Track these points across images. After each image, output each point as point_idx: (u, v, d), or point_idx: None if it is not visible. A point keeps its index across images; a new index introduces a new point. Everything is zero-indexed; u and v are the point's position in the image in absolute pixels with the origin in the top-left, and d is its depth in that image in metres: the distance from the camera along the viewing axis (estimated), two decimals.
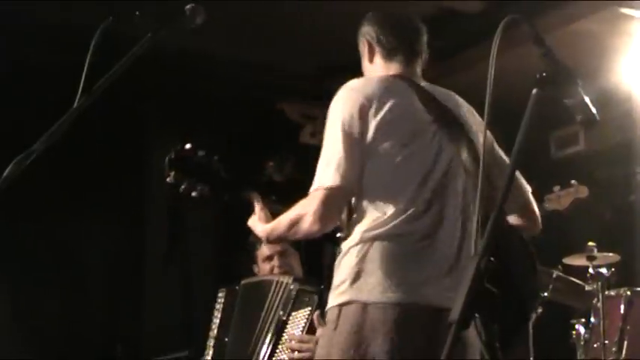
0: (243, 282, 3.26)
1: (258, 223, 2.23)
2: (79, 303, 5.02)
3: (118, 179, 5.06)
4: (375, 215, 2.02)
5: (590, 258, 4.05)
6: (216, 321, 3.33)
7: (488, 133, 2.13)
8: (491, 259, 1.41)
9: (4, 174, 1.59)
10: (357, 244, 2.02)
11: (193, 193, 2.29)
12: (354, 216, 2.06)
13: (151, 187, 5.24)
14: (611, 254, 4.15)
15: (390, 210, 2.01)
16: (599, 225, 4.93)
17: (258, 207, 2.25)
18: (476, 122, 2.21)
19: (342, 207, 2.05)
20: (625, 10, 4.24)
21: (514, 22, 1.53)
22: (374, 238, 2.00)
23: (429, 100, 2.14)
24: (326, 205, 1.99)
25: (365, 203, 2.04)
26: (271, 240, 2.19)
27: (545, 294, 4.00)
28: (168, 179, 2.26)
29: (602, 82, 4.75)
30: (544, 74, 1.53)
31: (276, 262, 3.27)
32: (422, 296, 1.96)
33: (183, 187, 2.26)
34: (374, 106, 2.03)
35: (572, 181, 3.31)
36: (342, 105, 2.06)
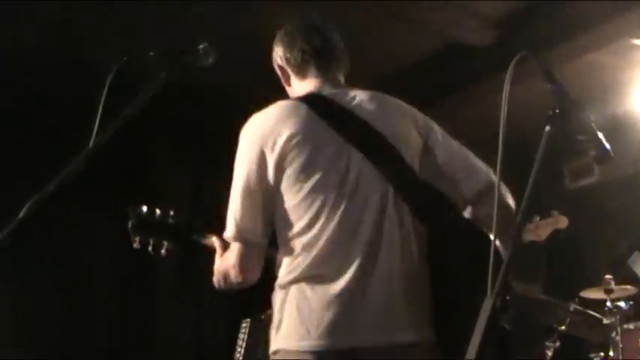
0: (268, 311, 3.27)
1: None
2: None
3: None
4: (290, 258, 1.95)
5: (608, 291, 4.01)
6: (241, 350, 3.32)
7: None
8: (507, 297, 1.39)
9: (21, 215, 1.59)
10: (279, 290, 1.97)
11: (162, 252, 2.34)
12: (279, 260, 2.00)
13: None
14: (628, 287, 4.10)
15: (300, 251, 1.92)
16: (614, 256, 4.89)
17: (217, 253, 2.18)
18: (408, 126, 2.05)
19: (255, 255, 1.99)
20: (637, 42, 4.25)
21: (525, 59, 1.53)
22: (290, 283, 1.93)
23: (338, 115, 2.00)
24: (241, 257, 1.97)
25: (282, 246, 1.98)
26: (221, 290, 2.12)
27: (563, 328, 3.96)
28: (134, 245, 2.31)
29: (616, 113, 4.74)
30: (556, 111, 1.52)
31: None
32: (336, 340, 1.87)
33: (150, 249, 2.32)
34: (270, 143, 1.94)
35: (553, 212, 3.28)
36: (242, 150, 2.00)
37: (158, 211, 2.34)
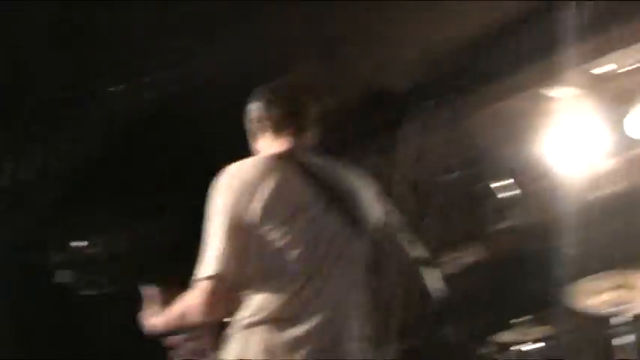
0: None
1: (148, 317, 2.20)
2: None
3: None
4: (257, 301, 2.01)
5: (524, 333, 4.10)
6: None
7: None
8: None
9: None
10: (240, 331, 2.01)
11: (94, 291, 2.28)
12: (242, 302, 2.04)
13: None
14: (543, 328, 4.20)
15: (270, 294, 2.00)
16: (529, 300, 5.01)
17: (153, 301, 2.21)
18: (366, 188, 2.27)
19: (225, 295, 2.01)
20: (545, 92, 4.43)
21: (439, 106, 1.57)
22: (256, 324, 1.99)
23: (313, 176, 2.12)
24: (210, 296, 1.98)
25: (249, 289, 2.03)
26: (163, 332, 2.15)
27: None
28: (61, 280, 2.24)
29: (528, 159, 4.90)
30: (468, 157, 1.56)
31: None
32: None
33: (82, 285, 2.24)
34: (250, 191, 2.01)
35: (469, 244, 3.37)
36: (221, 194, 2.04)
37: (85, 243, 2.26)
